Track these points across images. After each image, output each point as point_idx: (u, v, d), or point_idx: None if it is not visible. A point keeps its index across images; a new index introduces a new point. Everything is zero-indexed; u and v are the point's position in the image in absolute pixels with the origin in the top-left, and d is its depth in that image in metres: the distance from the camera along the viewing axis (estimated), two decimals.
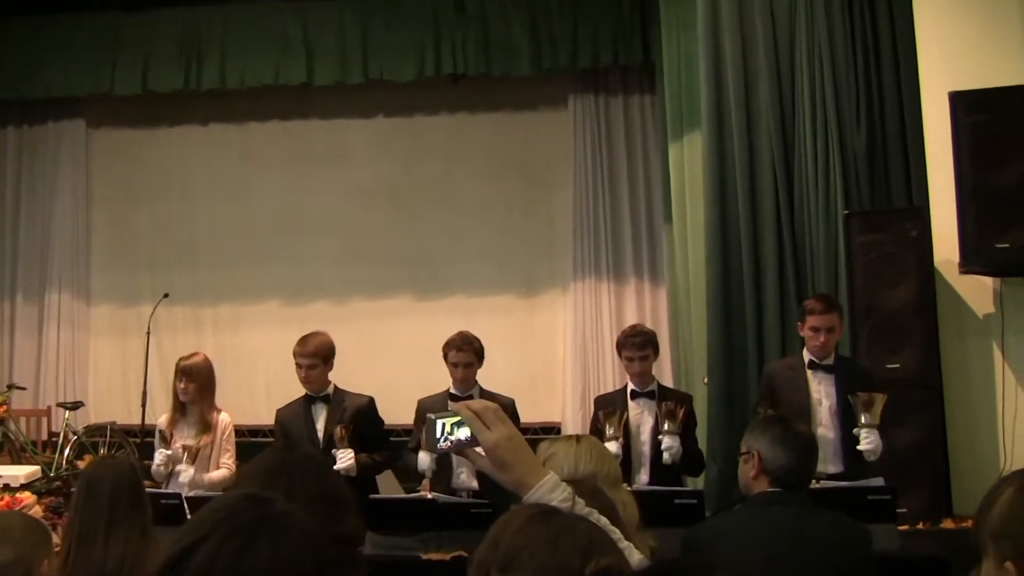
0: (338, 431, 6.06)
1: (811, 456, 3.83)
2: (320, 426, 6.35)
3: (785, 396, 6.01)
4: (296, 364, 6.36)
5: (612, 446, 5.85)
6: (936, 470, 6.58)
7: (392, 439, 6.63)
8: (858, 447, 5.55)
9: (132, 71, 10.58)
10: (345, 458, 5.99)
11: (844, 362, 6.16)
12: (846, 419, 5.75)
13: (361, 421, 6.28)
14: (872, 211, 7.20)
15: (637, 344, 6.30)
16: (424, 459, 5.99)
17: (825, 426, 5.92)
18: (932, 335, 6.73)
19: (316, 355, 6.32)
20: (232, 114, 11.30)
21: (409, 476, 7.38)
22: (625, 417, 6.11)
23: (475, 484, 6.13)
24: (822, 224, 7.43)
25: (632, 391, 6.35)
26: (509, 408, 6.12)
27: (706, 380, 7.88)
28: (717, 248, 7.83)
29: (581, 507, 2.11)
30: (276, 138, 11.31)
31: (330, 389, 6.41)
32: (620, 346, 6.42)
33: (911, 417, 6.50)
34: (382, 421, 6.53)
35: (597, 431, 6.11)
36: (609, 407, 6.20)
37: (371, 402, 6.45)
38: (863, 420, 5.54)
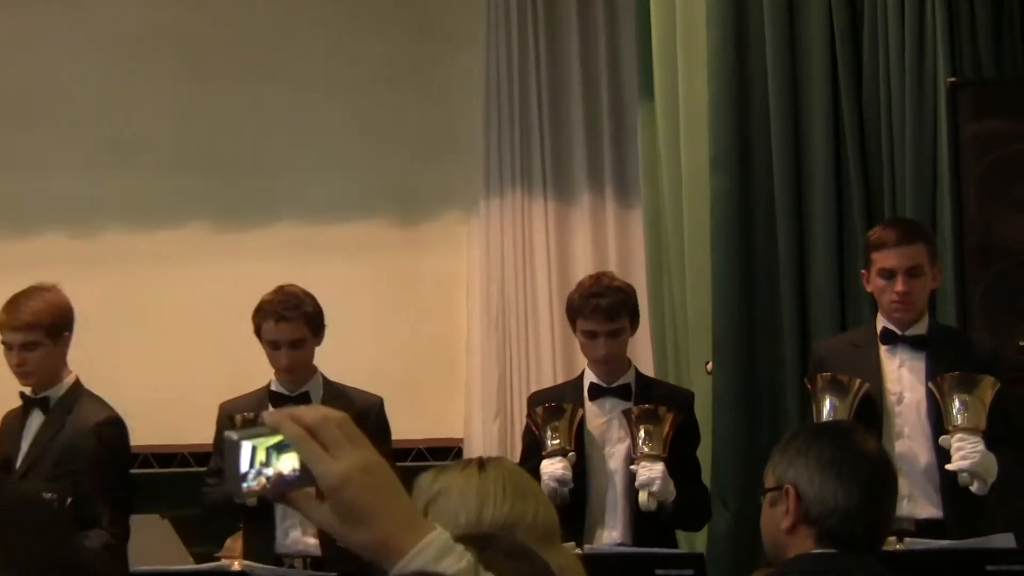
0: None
1: (886, 493, 3.86)
2: (25, 445, 6.39)
3: None
4: (3, 343, 6.37)
5: (554, 468, 5.84)
6: None
7: (150, 470, 6.62)
8: (948, 467, 5.59)
9: None
10: None
11: (944, 333, 6.24)
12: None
13: (78, 458, 6.24)
14: (995, 81, 7.26)
15: (604, 309, 6.29)
16: None
17: (911, 437, 5.96)
18: None
19: (35, 326, 6.34)
20: None
21: (206, 535, 7.37)
22: (579, 418, 6.08)
23: (314, 544, 6.11)
24: (910, 103, 7.49)
25: (593, 386, 6.35)
26: (372, 416, 6.22)
27: (710, 367, 7.89)
28: (729, 143, 7.85)
29: None
30: None
31: (68, 381, 6.41)
32: (574, 311, 6.42)
33: None
34: (124, 454, 6.47)
35: (532, 448, 6.12)
36: (551, 403, 6.20)
37: (110, 423, 6.37)
38: (956, 418, 5.58)
